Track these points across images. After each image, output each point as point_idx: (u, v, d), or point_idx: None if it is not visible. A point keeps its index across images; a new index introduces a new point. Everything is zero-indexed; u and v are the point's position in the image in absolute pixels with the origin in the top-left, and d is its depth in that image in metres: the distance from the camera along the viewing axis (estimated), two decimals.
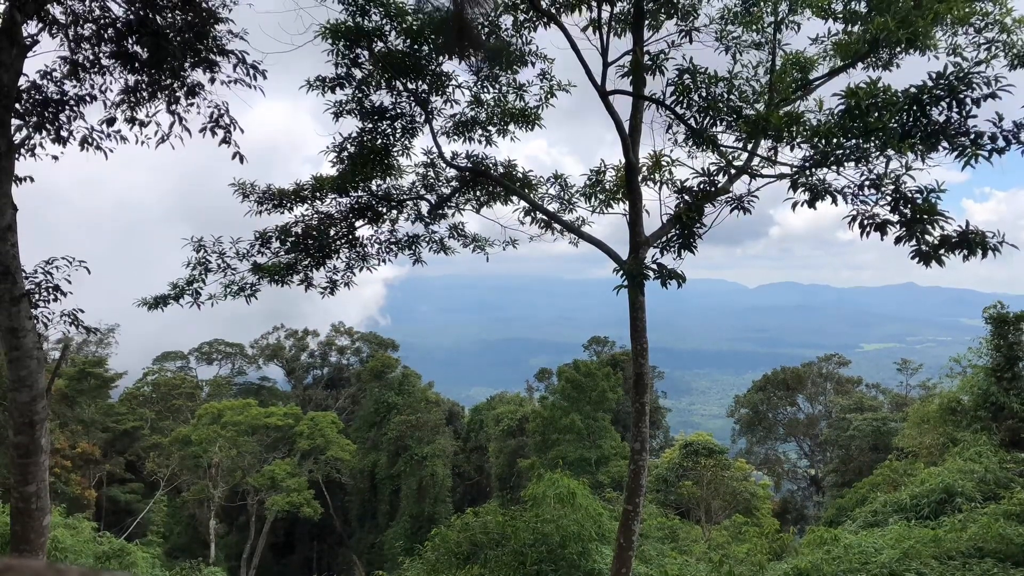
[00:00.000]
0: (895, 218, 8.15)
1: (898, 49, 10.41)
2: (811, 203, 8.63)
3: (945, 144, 7.85)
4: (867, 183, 8.38)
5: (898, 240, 8.10)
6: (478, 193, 14.21)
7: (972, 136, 7.72)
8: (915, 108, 7.87)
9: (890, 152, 8.22)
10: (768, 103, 10.48)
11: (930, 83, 7.81)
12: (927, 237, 7.94)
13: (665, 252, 10.29)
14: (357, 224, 13.65)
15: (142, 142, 10.07)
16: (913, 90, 7.91)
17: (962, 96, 7.67)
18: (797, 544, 18.28)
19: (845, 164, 8.58)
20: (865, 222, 8.26)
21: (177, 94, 9.69)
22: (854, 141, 8.43)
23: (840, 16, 11.16)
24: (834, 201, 8.47)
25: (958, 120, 7.78)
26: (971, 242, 7.74)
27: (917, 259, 8.00)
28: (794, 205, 8.82)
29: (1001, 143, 7.66)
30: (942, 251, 7.88)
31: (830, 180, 8.75)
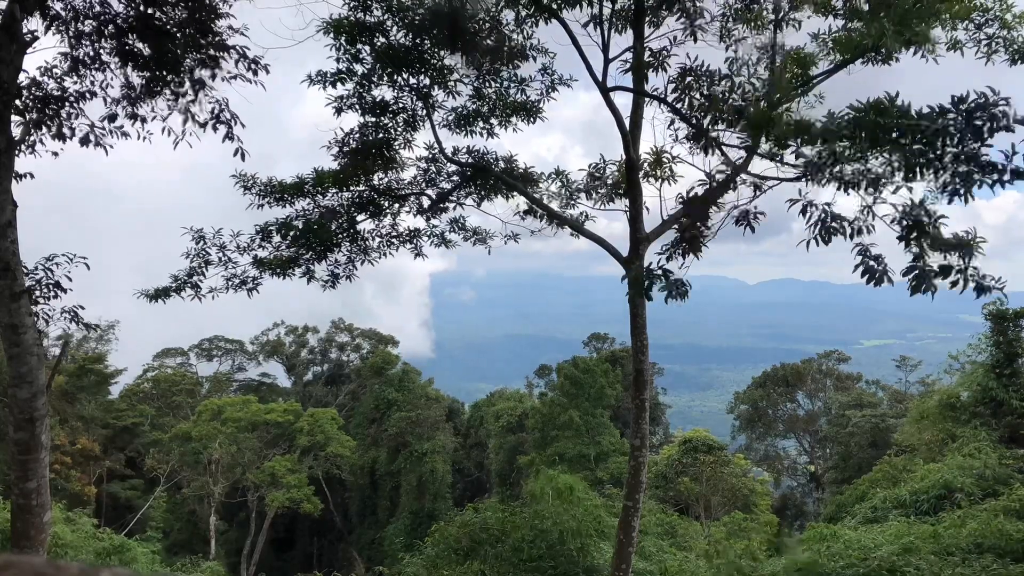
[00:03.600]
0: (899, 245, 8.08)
1: (899, 48, 10.38)
2: (824, 239, 8.41)
3: (952, 175, 7.64)
4: (868, 183, 8.30)
5: (907, 273, 8.02)
6: (478, 187, 14.21)
7: (983, 165, 7.48)
8: (936, 139, 7.61)
9: (894, 165, 8.11)
10: (769, 101, 10.46)
11: (949, 107, 7.53)
12: (924, 262, 7.90)
13: (671, 258, 10.18)
14: (358, 218, 13.65)
15: (144, 138, 10.06)
16: (929, 111, 7.64)
17: (980, 125, 7.40)
18: (796, 540, 18.29)
19: (853, 187, 8.42)
20: (870, 268, 8.16)
21: (184, 89, 9.67)
22: (856, 148, 8.31)
23: (841, 13, 11.15)
24: (844, 237, 8.28)
25: (971, 148, 7.53)
26: (965, 280, 7.70)
27: (914, 292, 7.95)
28: (807, 244, 8.54)
29: (1008, 176, 7.42)
30: (935, 284, 7.83)
31: (838, 199, 8.60)
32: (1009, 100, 7.39)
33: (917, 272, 7.93)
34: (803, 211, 8.50)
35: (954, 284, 7.71)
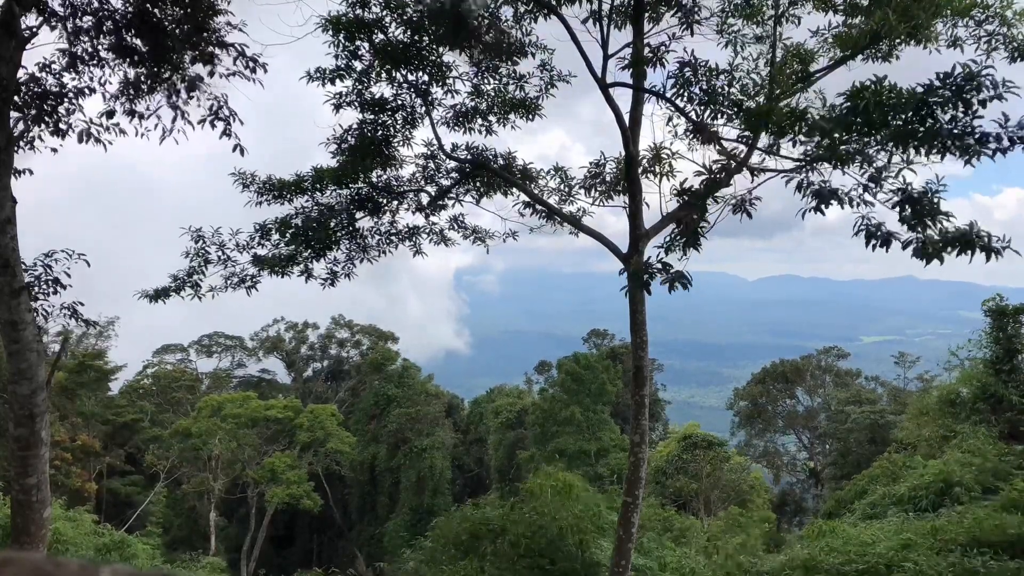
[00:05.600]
0: (902, 227, 8.13)
1: (898, 41, 10.38)
2: (818, 208, 8.56)
3: (949, 145, 7.76)
4: (868, 178, 8.35)
5: (905, 246, 8.07)
6: (478, 184, 14.20)
7: (977, 136, 7.64)
8: (922, 110, 7.76)
9: (892, 148, 8.19)
10: (768, 96, 10.45)
11: (937, 83, 7.70)
12: (928, 232, 7.91)
13: (670, 251, 10.25)
14: (357, 215, 13.63)
15: (142, 135, 10.05)
16: (919, 90, 7.83)
17: (968, 97, 7.56)
18: (795, 536, 18.32)
19: (848, 164, 8.53)
20: (871, 231, 8.23)
21: (178, 87, 9.67)
22: (855, 137, 8.39)
23: (841, 8, 11.13)
24: (841, 205, 8.42)
25: (964, 121, 7.68)
26: (972, 243, 7.70)
27: (919, 257, 7.97)
28: (803, 213, 8.75)
29: (1006, 143, 7.59)
30: (944, 250, 7.84)
31: (835, 181, 8.70)
32: (988, 62, 7.55)
33: (921, 241, 8.00)
34: (799, 187, 8.69)
35: (961, 250, 7.79)
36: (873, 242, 8.26)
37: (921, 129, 7.78)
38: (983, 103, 7.61)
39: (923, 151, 7.95)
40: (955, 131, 7.69)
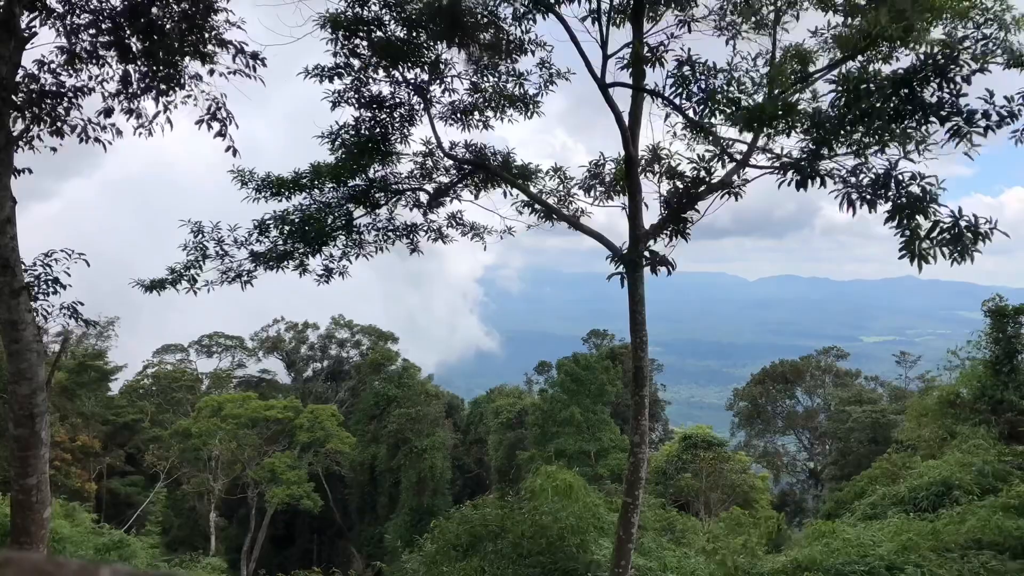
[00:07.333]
0: (885, 204, 8.17)
1: (897, 44, 10.38)
2: (801, 185, 8.66)
3: (936, 122, 7.86)
4: (860, 169, 8.40)
5: (888, 219, 8.07)
6: (476, 180, 14.18)
7: (964, 115, 7.73)
8: (906, 90, 7.88)
9: (887, 139, 8.22)
10: (768, 94, 10.45)
11: (919, 63, 7.85)
12: (915, 224, 7.89)
13: (657, 239, 10.33)
14: (355, 212, 13.61)
15: (142, 135, 10.05)
16: (902, 71, 7.96)
17: (951, 75, 7.70)
18: (796, 536, 18.30)
19: (840, 154, 8.60)
20: (854, 197, 8.24)
21: (172, 85, 9.66)
22: (851, 129, 8.44)
23: (840, 8, 11.12)
24: (823, 184, 8.49)
25: (949, 99, 7.80)
26: (961, 232, 7.68)
27: (907, 257, 7.95)
28: (780, 184, 8.88)
29: (995, 119, 7.68)
30: (930, 242, 7.82)
31: (821, 164, 8.80)
32: (968, 40, 7.70)
33: (907, 234, 7.99)
34: (781, 167, 8.75)
35: (940, 236, 7.78)
36: (854, 204, 8.26)
37: (911, 106, 7.89)
38: (967, 79, 7.73)
39: (913, 133, 8.03)
40: (943, 109, 7.79)
